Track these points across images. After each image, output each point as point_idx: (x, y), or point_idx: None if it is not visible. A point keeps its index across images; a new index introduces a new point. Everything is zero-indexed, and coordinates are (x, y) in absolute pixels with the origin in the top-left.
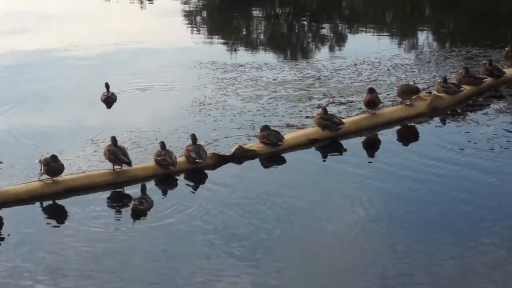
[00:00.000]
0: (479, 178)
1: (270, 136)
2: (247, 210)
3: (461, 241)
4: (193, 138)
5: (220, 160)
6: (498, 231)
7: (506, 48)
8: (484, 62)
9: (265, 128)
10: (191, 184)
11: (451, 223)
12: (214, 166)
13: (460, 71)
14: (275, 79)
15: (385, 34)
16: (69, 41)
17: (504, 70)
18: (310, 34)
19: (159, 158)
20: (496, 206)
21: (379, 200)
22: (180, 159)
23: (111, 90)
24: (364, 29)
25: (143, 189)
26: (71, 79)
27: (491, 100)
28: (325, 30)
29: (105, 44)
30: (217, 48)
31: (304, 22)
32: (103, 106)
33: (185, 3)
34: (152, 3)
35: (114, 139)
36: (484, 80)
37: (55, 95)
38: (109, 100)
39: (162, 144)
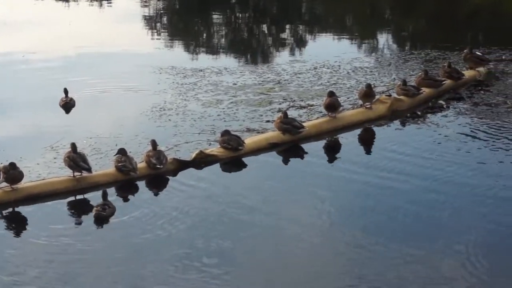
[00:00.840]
0: (439, 180)
1: (230, 140)
2: (208, 215)
3: (423, 244)
4: (153, 143)
5: (180, 165)
6: (460, 235)
7: (465, 50)
8: (444, 64)
9: (226, 132)
10: (152, 190)
11: (414, 225)
12: (174, 172)
13: (420, 73)
14: (235, 84)
15: (345, 37)
16: (27, 47)
17: (463, 72)
18: (270, 38)
19: (119, 164)
20: (457, 208)
21: (340, 203)
22: (141, 164)
23: (69, 95)
24: (324, 33)
25: (105, 195)
26: (29, 85)
27: (450, 102)
28: (285, 34)
29: (64, 50)
30: (177, 53)
31: (264, 27)
32: (62, 111)
33: (145, 7)
34: (111, 3)
35: (73, 146)
36: (444, 82)
37: (12, 102)
38: (67, 105)
39: (123, 150)
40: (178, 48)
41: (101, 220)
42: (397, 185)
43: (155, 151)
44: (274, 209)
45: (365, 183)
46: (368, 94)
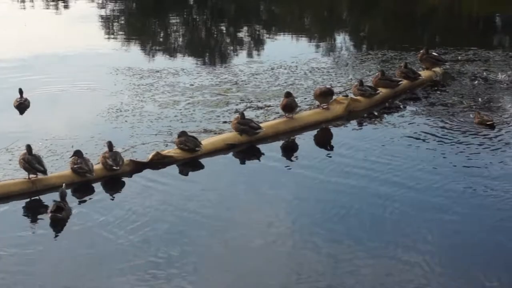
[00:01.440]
0: (396, 180)
1: (187, 141)
2: (165, 217)
3: (378, 243)
4: (110, 145)
5: (137, 167)
6: (412, 234)
7: (421, 51)
8: (400, 65)
9: (183, 133)
10: (109, 191)
11: (371, 228)
12: (131, 173)
13: (376, 74)
14: (192, 85)
15: (302, 38)
16: None
17: (420, 72)
18: (227, 39)
19: (75, 165)
20: (412, 206)
21: (298, 204)
22: (97, 166)
23: (24, 95)
24: (281, 33)
25: (62, 196)
26: None
27: (407, 102)
28: (243, 34)
29: (19, 50)
30: (134, 54)
31: (222, 27)
32: (17, 112)
33: (102, 8)
34: (67, 5)
35: (29, 147)
36: (400, 82)
37: None
38: (22, 106)
39: (79, 152)
40: (135, 49)
41: (57, 222)
42: (354, 184)
43: (112, 153)
44: (232, 210)
45: (323, 183)
46: (325, 94)
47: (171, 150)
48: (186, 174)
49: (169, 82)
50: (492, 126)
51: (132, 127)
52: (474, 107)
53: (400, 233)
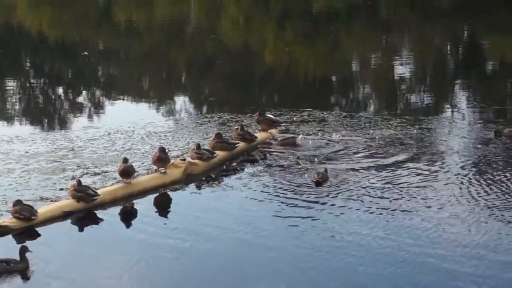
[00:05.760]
0: (234, 242)
1: (23, 210)
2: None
3: None
4: None
5: None
6: None
7: (256, 113)
8: (236, 127)
9: (18, 202)
10: None
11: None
12: None
13: (213, 137)
14: (27, 152)
15: (140, 102)
16: None
17: (256, 134)
18: (64, 104)
19: None
20: (259, 271)
21: (138, 269)
22: None
23: None
24: (119, 98)
25: None
26: None
27: (244, 164)
28: (80, 99)
29: None
30: None
31: (59, 92)
32: None
33: None
34: None
35: None
36: (237, 145)
37: None
38: None
39: None
40: None
41: None
42: (192, 247)
43: None
44: (69, 281)
45: (162, 247)
46: (161, 158)
47: (6, 220)
48: (22, 244)
49: (3, 149)
50: (318, 183)
51: None
52: (309, 168)
53: None
